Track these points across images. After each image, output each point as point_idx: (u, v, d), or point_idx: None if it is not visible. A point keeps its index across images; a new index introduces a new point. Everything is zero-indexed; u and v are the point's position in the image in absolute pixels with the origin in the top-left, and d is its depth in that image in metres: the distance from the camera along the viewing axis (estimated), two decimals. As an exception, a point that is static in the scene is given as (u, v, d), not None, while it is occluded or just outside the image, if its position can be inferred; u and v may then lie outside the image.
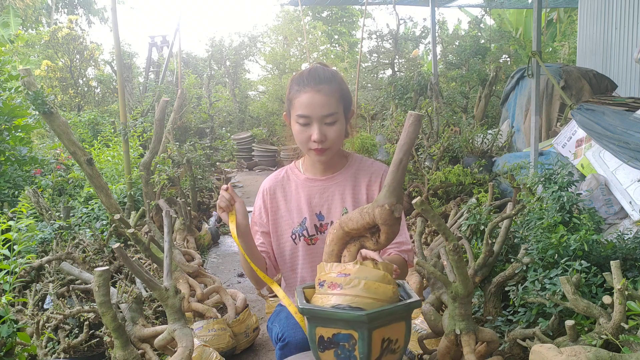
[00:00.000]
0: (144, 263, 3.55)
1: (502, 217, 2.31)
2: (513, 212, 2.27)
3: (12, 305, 2.62)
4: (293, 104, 1.69)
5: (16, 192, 4.76)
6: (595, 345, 1.65)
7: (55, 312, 2.51)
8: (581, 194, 2.47)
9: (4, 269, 2.68)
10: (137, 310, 2.34)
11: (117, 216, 2.97)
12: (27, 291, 2.89)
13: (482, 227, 2.50)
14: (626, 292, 1.63)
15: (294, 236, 1.80)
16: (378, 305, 1.29)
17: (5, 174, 4.94)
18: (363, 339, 1.29)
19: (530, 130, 4.48)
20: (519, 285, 2.16)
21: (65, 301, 2.79)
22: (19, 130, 5.01)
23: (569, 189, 2.44)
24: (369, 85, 11.72)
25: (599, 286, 2.01)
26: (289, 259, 1.84)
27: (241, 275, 4.48)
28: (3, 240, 2.82)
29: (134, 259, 2.53)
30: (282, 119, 1.82)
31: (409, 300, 1.35)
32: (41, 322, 2.42)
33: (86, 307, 2.53)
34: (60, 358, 2.35)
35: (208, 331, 2.81)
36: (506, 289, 2.23)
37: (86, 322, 2.48)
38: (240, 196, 7.85)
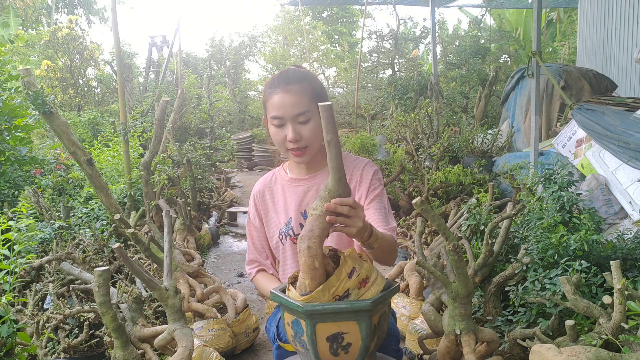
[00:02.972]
0: (144, 263, 3.55)
1: (502, 217, 2.31)
2: (513, 212, 2.27)
3: (12, 305, 2.61)
4: (267, 106, 1.73)
5: (16, 192, 4.76)
6: (595, 345, 1.65)
7: (55, 312, 2.51)
8: (581, 194, 2.47)
9: (4, 269, 2.68)
10: (137, 310, 2.34)
11: (117, 216, 2.97)
12: (27, 291, 2.89)
13: (482, 227, 2.50)
14: (626, 292, 1.63)
15: (280, 236, 1.84)
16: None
17: (5, 174, 4.94)
18: (389, 310, 1.41)
19: (530, 130, 4.48)
20: (519, 285, 2.16)
21: (65, 301, 2.79)
22: (19, 130, 5.01)
23: (569, 189, 2.44)
24: (369, 85, 11.73)
25: (599, 286, 2.01)
26: (281, 259, 1.88)
27: (241, 275, 4.48)
28: (3, 240, 2.82)
29: (134, 259, 2.53)
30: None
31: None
32: (41, 322, 2.42)
33: (86, 307, 2.53)
34: (60, 358, 2.35)
35: (208, 331, 2.81)
36: (506, 289, 2.23)
37: (86, 322, 2.48)
38: (240, 196, 7.68)
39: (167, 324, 1.97)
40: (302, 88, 1.67)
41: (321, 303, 1.33)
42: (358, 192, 1.76)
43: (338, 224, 1.33)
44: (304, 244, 1.31)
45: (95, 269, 1.74)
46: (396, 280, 3.31)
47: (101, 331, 2.50)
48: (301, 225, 1.81)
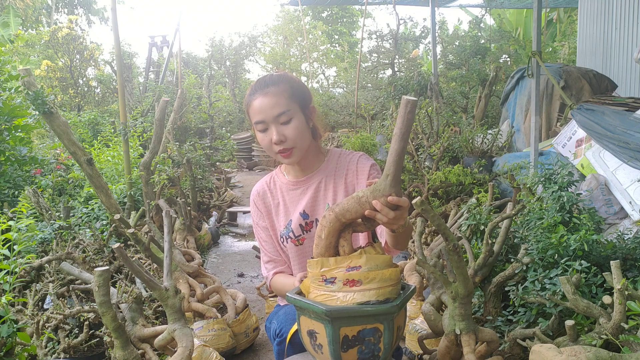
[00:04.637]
0: (144, 263, 3.55)
1: (502, 217, 2.31)
2: (513, 212, 2.27)
3: (12, 305, 2.61)
4: (249, 114, 1.74)
5: (16, 192, 4.76)
6: (595, 345, 1.65)
7: (55, 312, 2.51)
8: (581, 194, 2.47)
9: (4, 269, 2.68)
10: (137, 310, 2.34)
11: (117, 216, 2.97)
12: (27, 291, 2.89)
13: (482, 227, 2.49)
14: (626, 292, 1.63)
15: (282, 239, 1.85)
16: (393, 289, 1.36)
17: (5, 174, 4.94)
18: (389, 329, 1.34)
19: (530, 130, 4.48)
20: (519, 285, 2.16)
21: (65, 301, 2.79)
22: (19, 130, 5.01)
23: (569, 189, 2.44)
24: (369, 85, 11.73)
25: (599, 286, 2.01)
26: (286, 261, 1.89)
27: (241, 275, 4.48)
28: (3, 240, 2.82)
29: (134, 259, 2.54)
30: None
31: (413, 286, 1.49)
32: (41, 322, 2.41)
33: (86, 307, 2.53)
34: (60, 358, 2.35)
35: (208, 331, 2.81)
36: (506, 289, 2.23)
37: (86, 322, 2.48)
38: (240, 196, 7.66)
39: (167, 324, 1.97)
40: (279, 89, 1.68)
41: (300, 297, 1.40)
42: (358, 185, 1.76)
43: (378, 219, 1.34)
44: (324, 212, 1.40)
45: (95, 269, 1.74)
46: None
47: (101, 331, 2.50)
48: (301, 227, 1.81)
